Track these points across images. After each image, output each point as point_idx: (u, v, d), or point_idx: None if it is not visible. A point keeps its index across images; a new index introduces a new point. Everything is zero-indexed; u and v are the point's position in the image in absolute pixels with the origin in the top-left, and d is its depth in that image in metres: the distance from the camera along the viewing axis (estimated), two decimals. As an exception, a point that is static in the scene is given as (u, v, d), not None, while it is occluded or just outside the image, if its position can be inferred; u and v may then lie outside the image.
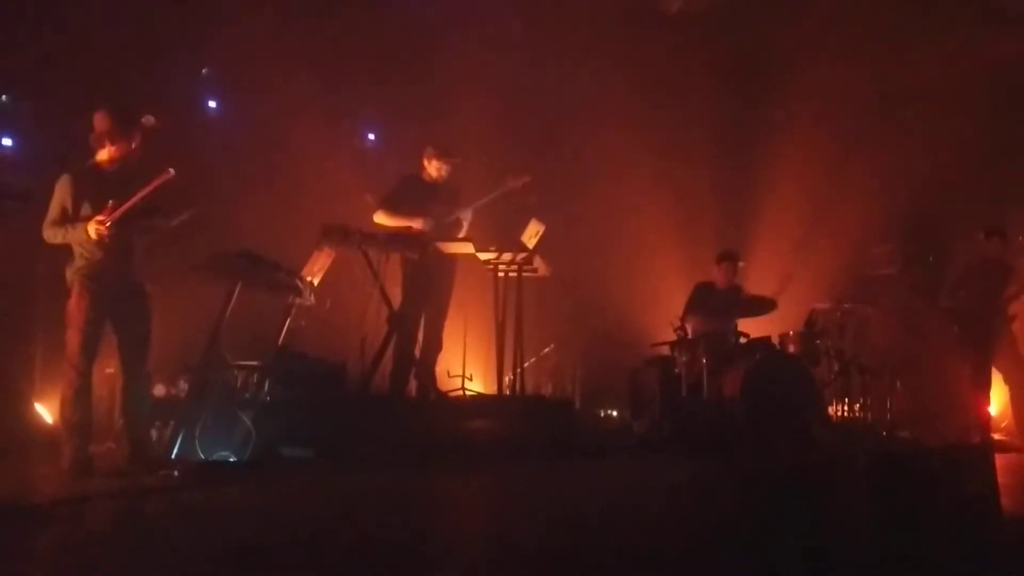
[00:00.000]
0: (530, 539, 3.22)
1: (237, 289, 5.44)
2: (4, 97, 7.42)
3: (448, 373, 7.60)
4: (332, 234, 5.99)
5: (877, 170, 8.75)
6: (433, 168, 6.86)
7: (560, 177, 9.08)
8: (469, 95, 8.34)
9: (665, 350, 7.58)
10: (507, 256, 6.61)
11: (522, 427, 6.17)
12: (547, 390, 9.55)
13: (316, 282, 6.05)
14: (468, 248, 6.47)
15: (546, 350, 9.60)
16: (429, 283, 6.59)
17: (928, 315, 7.90)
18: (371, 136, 9.55)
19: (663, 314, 7.87)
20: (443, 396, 6.78)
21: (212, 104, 8.59)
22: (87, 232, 4.89)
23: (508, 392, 6.81)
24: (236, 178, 7.71)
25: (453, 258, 6.76)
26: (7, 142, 7.35)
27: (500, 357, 6.79)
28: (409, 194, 6.74)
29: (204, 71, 8.62)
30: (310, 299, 5.92)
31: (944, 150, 8.27)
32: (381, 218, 6.62)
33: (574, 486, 4.83)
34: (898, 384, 7.98)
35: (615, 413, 9.33)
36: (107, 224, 4.85)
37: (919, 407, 7.91)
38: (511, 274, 6.74)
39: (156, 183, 4.88)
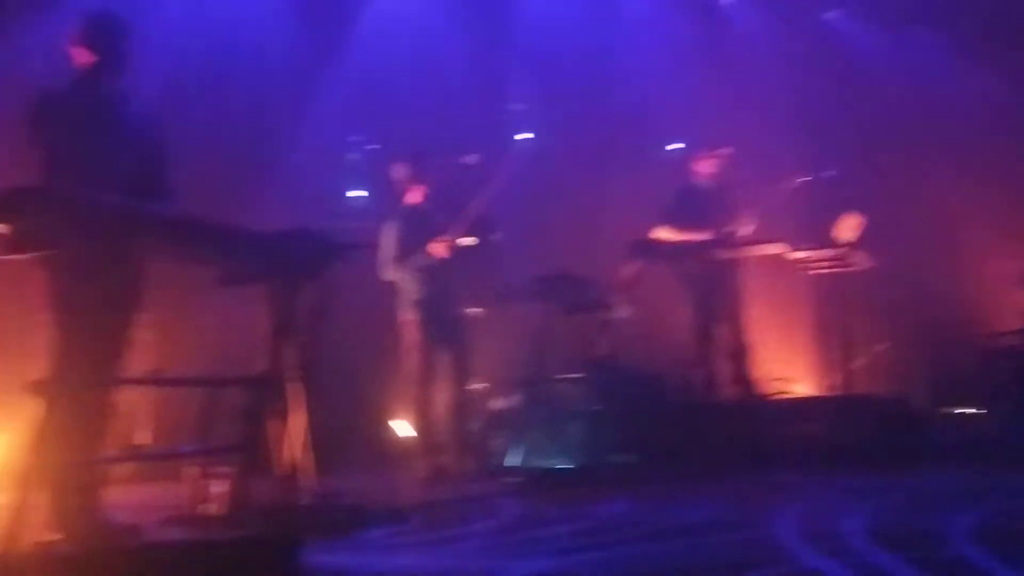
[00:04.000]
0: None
1: (555, 308, 5.80)
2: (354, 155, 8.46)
3: (769, 376, 7.49)
4: (639, 248, 6.19)
5: None
6: (708, 169, 6.78)
7: (879, 166, 8.65)
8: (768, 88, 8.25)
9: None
10: (824, 253, 6.45)
11: (853, 429, 5.97)
12: (883, 390, 9.03)
13: (628, 295, 6.28)
14: (780, 249, 6.38)
15: (880, 347, 9.09)
16: (715, 288, 6.52)
17: None
18: (678, 145, 9.65)
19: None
20: (764, 399, 6.71)
21: (524, 136, 9.19)
22: (429, 254, 5.60)
23: (835, 393, 6.61)
24: (548, 203, 8.19)
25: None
26: (359, 193, 8.40)
27: (824, 357, 6.63)
28: (686, 205, 6.69)
29: (516, 105, 9.24)
30: (625, 312, 6.15)
31: None
32: (663, 233, 6.58)
33: (930, 498, 4.40)
34: None
35: (966, 411, 8.62)
36: (448, 244, 5.59)
37: None
38: (831, 271, 6.56)
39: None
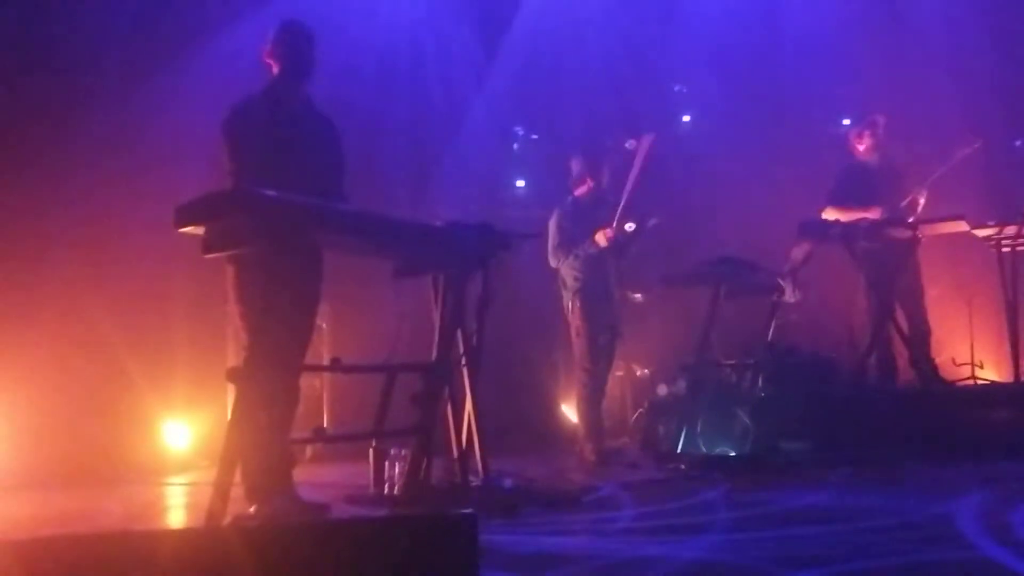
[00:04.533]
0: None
1: (722, 292, 5.72)
2: (516, 145, 8.61)
3: (954, 361, 7.10)
4: (810, 229, 6.01)
5: None
6: (864, 144, 6.47)
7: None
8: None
9: None
10: (1011, 229, 6.06)
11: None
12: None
13: (799, 278, 6.10)
14: (961, 227, 6.03)
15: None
16: (891, 269, 6.21)
17: None
18: (846, 121, 9.28)
19: None
20: (948, 385, 6.38)
21: (686, 119, 9.10)
22: (595, 241, 5.71)
23: (1025, 379, 6.20)
24: (715, 185, 8.06)
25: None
26: (520, 183, 8.55)
27: (1015, 341, 6.23)
28: (854, 184, 6.43)
29: (677, 88, 9.17)
30: (794, 295, 5.99)
31: None
32: (831, 214, 6.35)
33: None
34: None
35: None
36: (611, 233, 5.68)
37: None
38: (1019, 249, 6.16)
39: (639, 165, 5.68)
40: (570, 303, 5.88)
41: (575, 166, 6.02)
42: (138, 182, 6.03)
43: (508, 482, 4.46)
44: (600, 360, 5.89)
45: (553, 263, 5.94)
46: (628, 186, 5.76)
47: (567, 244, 5.86)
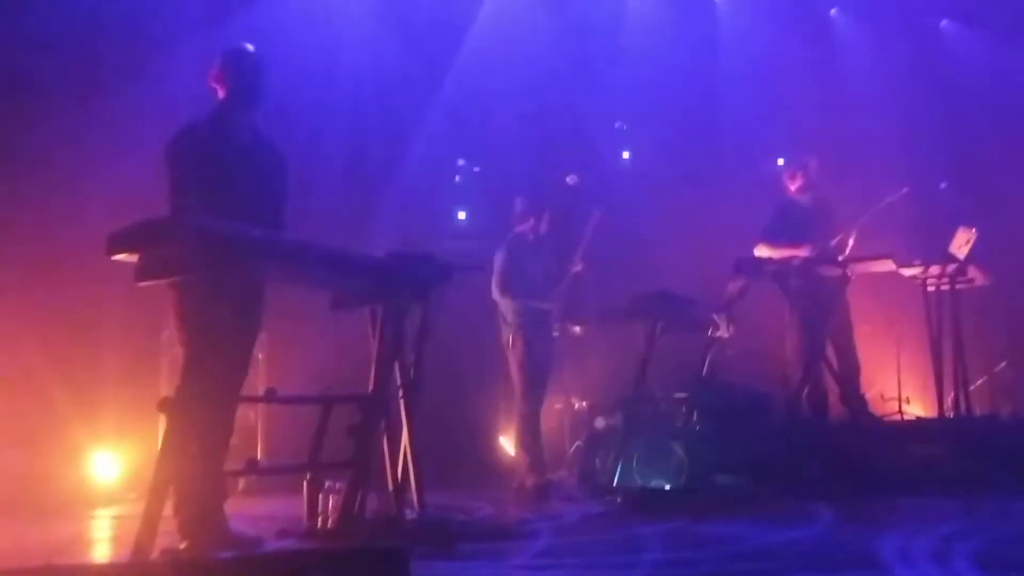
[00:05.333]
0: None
1: (658, 328, 5.80)
2: (458, 177, 8.63)
3: (882, 396, 7.30)
4: (744, 266, 6.14)
5: None
6: (796, 184, 6.67)
7: (991, 178, 8.36)
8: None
9: None
10: (935, 269, 6.28)
11: (971, 451, 5.77)
12: (1005, 410, 8.66)
13: (732, 313, 6.22)
14: (888, 266, 6.22)
15: (998, 367, 8.72)
16: (822, 305, 6.37)
17: None
18: (780, 161, 9.53)
19: None
20: (876, 419, 6.54)
21: (625, 156, 9.26)
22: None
23: (952, 414, 6.40)
24: (650, 221, 8.20)
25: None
26: (462, 215, 8.58)
27: (939, 377, 6.43)
28: (785, 222, 6.58)
29: (617, 124, 9.32)
30: (729, 331, 6.10)
31: None
32: (763, 251, 6.48)
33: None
34: None
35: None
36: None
37: None
38: (943, 287, 6.38)
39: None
40: (511, 338, 5.92)
41: (518, 205, 6.14)
42: (67, 208, 5.92)
43: (445, 516, 4.43)
44: (540, 394, 5.95)
45: (495, 296, 5.99)
46: (578, 256, 6.06)
47: (510, 281, 5.92)
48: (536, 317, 5.95)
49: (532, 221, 6.07)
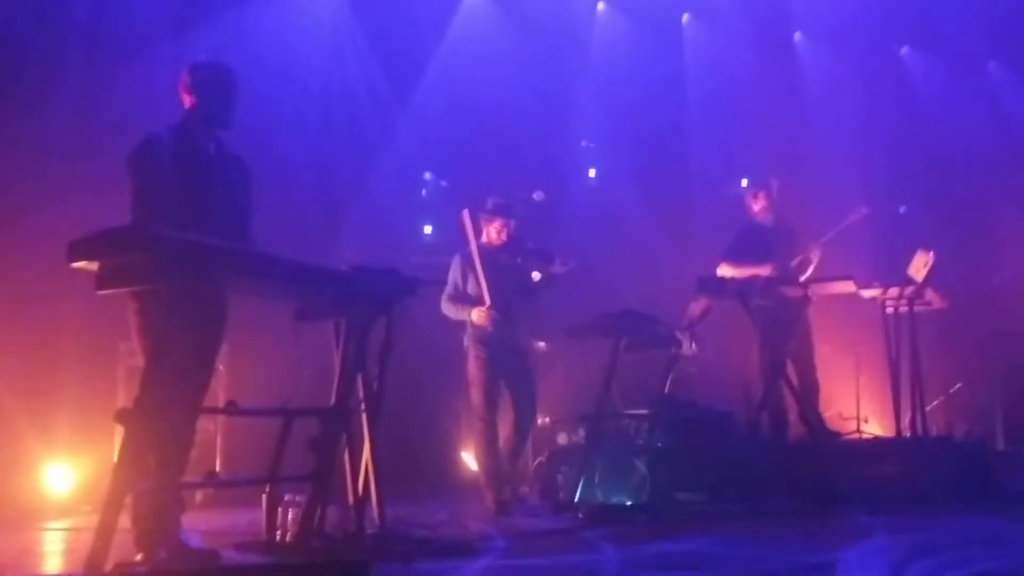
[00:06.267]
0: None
1: (622, 345, 5.82)
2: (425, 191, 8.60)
3: (841, 415, 7.39)
4: (708, 285, 6.19)
5: None
6: (759, 205, 6.75)
7: (950, 202, 8.54)
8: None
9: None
10: (894, 291, 6.39)
11: (927, 471, 5.86)
12: (960, 431, 8.81)
13: (695, 332, 6.26)
14: (849, 287, 6.31)
15: (954, 388, 8.87)
16: (783, 325, 6.44)
17: None
18: (743, 182, 9.65)
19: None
20: (835, 438, 6.61)
21: (592, 174, 9.32)
22: (472, 316, 5.69)
23: (909, 434, 6.49)
24: (615, 240, 8.25)
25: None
26: (428, 229, 8.56)
27: (896, 397, 6.53)
28: (748, 243, 6.67)
29: (584, 143, 9.40)
30: (691, 349, 6.15)
31: None
32: (726, 270, 6.53)
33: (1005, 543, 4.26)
34: None
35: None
36: (489, 311, 5.62)
37: None
38: (902, 310, 6.48)
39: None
40: (470, 351, 5.85)
41: (489, 203, 5.92)
42: (25, 216, 5.84)
43: (405, 530, 4.40)
44: (496, 411, 5.83)
45: (445, 310, 5.89)
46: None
47: (458, 295, 5.86)
48: (498, 331, 5.79)
49: (499, 223, 5.84)
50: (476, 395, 5.77)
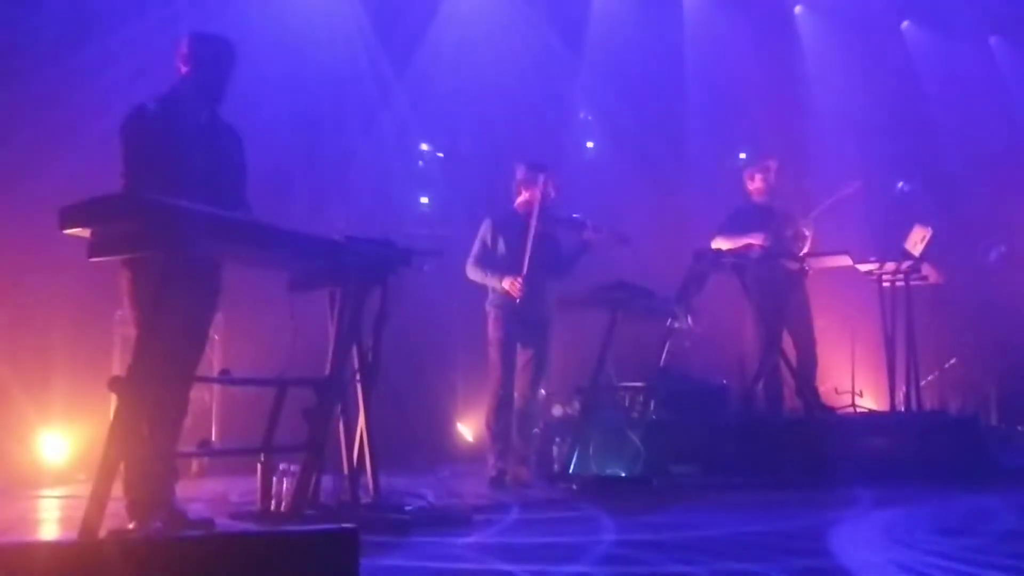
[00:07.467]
0: None
1: (617, 317, 5.81)
2: (421, 162, 8.57)
3: (836, 390, 7.40)
4: (703, 257, 6.18)
5: None
6: (755, 185, 6.70)
7: (949, 177, 8.52)
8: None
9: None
10: (890, 266, 6.38)
11: (921, 445, 5.88)
12: (954, 406, 8.84)
13: (692, 305, 6.25)
14: (845, 261, 6.30)
15: (948, 363, 8.90)
16: (780, 299, 6.42)
17: None
18: (742, 155, 9.62)
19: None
20: (830, 412, 6.63)
21: (590, 145, 9.29)
22: (502, 286, 5.66)
23: (903, 408, 6.51)
24: (613, 211, 8.21)
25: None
26: (424, 200, 8.53)
27: (891, 372, 6.54)
28: (743, 217, 6.65)
29: (583, 115, 9.36)
30: (687, 322, 6.14)
31: None
32: (720, 243, 6.48)
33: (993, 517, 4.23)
34: None
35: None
36: (519, 283, 5.58)
37: None
38: (898, 284, 6.48)
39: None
40: (490, 311, 5.83)
41: (520, 171, 5.88)
42: (19, 182, 5.79)
43: (400, 500, 4.41)
44: (513, 373, 5.81)
45: (469, 274, 5.84)
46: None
47: (484, 261, 5.80)
48: (520, 301, 5.66)
49: (541, 182, 5.69)
50: (494, 354, 5.77)
